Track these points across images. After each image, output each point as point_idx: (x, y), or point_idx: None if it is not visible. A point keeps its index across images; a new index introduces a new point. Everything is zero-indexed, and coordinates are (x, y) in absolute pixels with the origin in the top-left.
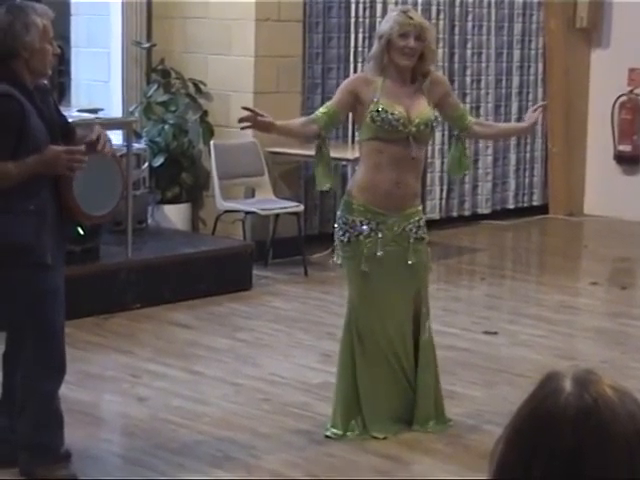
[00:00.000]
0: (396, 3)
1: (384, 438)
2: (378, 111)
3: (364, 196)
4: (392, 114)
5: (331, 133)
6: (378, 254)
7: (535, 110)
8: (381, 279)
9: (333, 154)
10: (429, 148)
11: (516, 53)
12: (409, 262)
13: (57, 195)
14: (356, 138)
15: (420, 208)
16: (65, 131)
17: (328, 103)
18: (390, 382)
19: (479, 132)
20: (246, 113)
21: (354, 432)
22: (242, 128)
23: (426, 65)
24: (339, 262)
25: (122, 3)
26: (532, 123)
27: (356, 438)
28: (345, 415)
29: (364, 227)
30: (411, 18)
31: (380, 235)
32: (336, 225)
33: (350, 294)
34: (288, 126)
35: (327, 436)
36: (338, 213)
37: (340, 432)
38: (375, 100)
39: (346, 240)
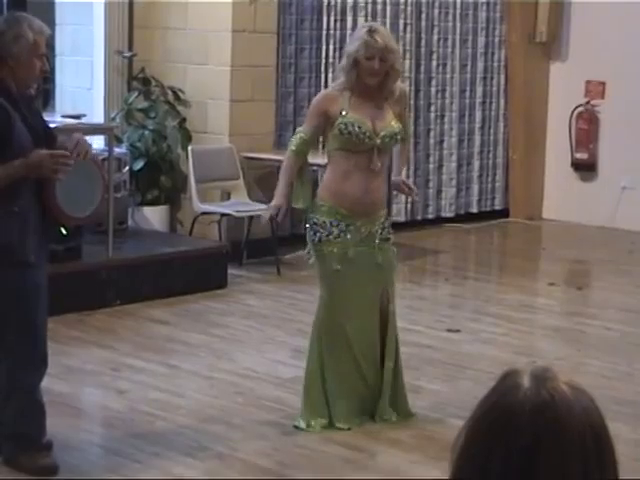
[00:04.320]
0: (365, 16)
1: (348, 429)
2: (345, 124)
3: (333, 200)
4: (359, 127)
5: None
6: (349, 254)
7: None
8: (352, 278)
9: None
10: None
11: (479, 65)
12: (378, 262)
13: (40, 197)
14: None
15: (385, 211)
16: (47, 137)
17: (304, 130)
18: (356, 377)
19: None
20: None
21: (320, 424)
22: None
23: (390, 83)
24: (311, 261)
25: (105, 14)
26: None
27: (322, 430)
28: (312, 407)
29: (333, 228)
30: (376, 41)
31: (349, 236)
32: (307, 225)
33: (321, 292)
34: (290, 183)
35: (295, 426)
36: (310, 214)
37: (304, 424)
38: (343, 113)
39: (317, 240)
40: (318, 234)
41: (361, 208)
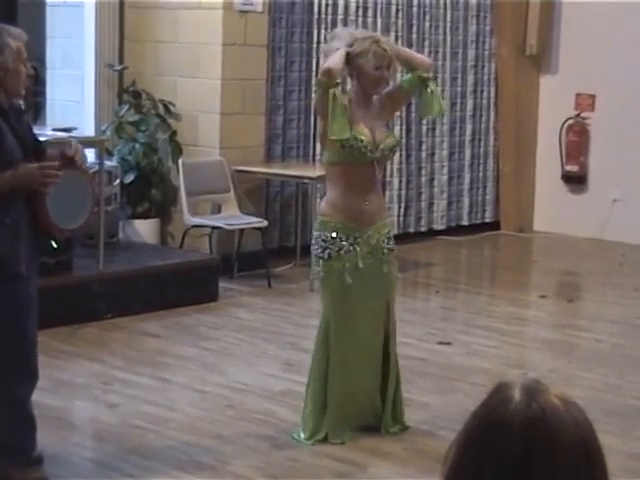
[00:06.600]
0: (356, 29)
1: (342, 443)
2: (347, 138)
3: (339, 215)
4: (361, 141)
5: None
6: (360, 266)
7: None
8: (360, 290)
9: (295, 172)
10: (387, 168)
11: (470, 78)
12: (384, 271)
13: (31, 209)
14: (317, 157)
15: (388, 220)
16: (36, 149)
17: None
18: (360, 391)
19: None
20: None
21: (317, 437)
22: None
23: (385, 88)
24: (317, 277)
25: (96, 27)
26: None
27: (315, 444)
28: (313, 421)
29: (344, 242)
30: (385, 50)
31: (358, 249)
32: (313, 242)
33: (326, 308)
34: None
35: (294, 438)
36: (315, 232)
37: (304, 437)
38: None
39: (326, 256)
40: (328, 250)
41: (367, 218)
